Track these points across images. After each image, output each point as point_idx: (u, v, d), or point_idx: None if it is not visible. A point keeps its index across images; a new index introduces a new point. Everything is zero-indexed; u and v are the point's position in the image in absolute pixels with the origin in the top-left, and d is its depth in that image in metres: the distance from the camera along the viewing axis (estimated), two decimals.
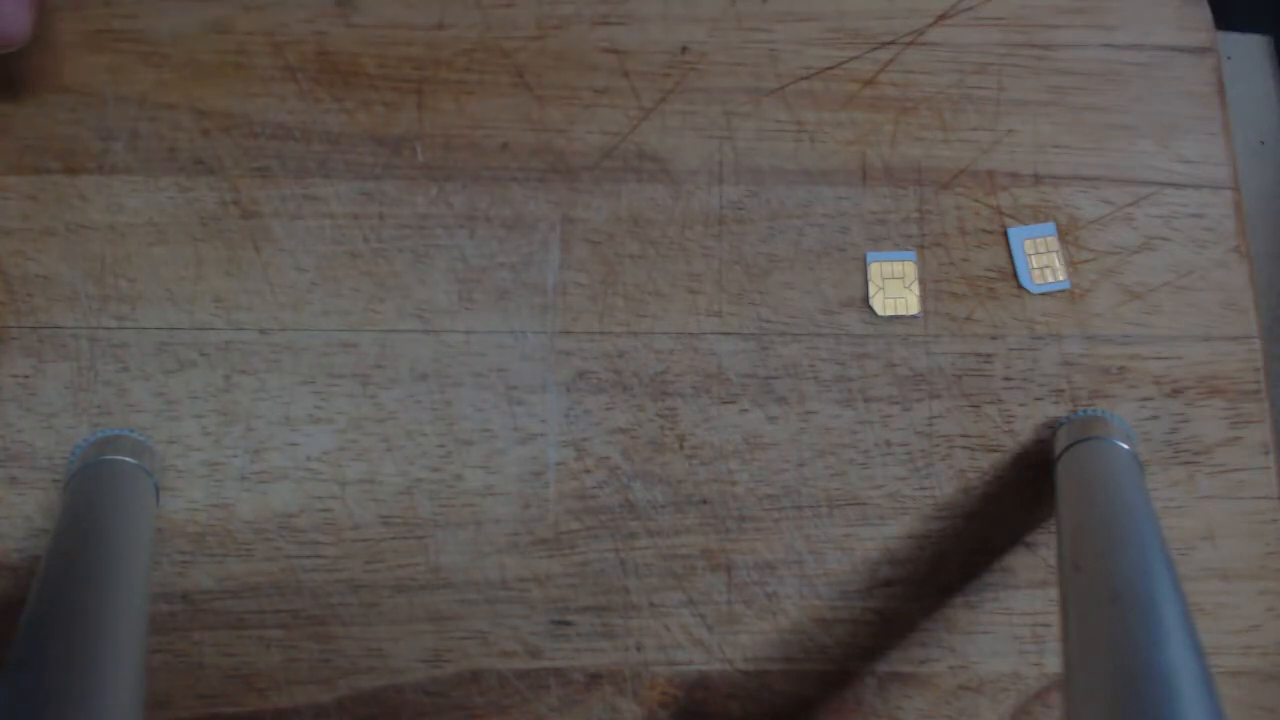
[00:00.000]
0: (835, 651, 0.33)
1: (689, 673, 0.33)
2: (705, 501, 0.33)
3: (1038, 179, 0.35)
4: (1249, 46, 0.53)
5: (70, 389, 0.32)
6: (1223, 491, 0.34)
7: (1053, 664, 0.33)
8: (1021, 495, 0.34)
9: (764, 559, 0.33)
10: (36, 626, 0.24)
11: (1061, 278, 0.34)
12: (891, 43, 0.35)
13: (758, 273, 0.34)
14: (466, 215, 0.34)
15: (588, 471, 0.33)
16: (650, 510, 0.33)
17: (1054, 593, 0.33)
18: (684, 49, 0.35)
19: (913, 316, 0.34)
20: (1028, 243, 0.34)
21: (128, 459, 0.31)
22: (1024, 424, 0.34)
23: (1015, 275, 0.34)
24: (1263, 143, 0.52)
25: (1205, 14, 0.36)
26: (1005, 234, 0.34)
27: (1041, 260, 0.34)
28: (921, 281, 0.34)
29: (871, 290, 0.34)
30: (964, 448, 0.34)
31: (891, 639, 0.33)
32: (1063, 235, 0.34)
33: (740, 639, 0.33)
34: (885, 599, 0.33)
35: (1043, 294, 0.34)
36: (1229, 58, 0.52)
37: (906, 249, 0.34)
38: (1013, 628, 0.33)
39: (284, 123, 0.34)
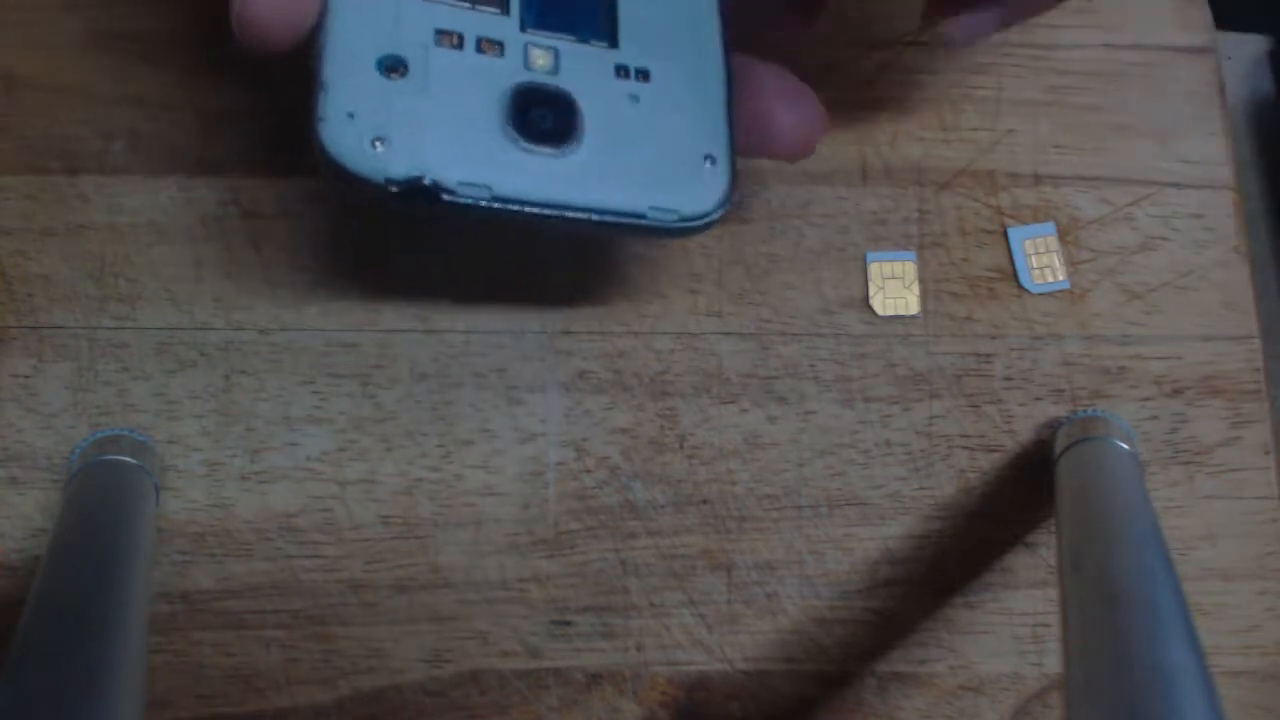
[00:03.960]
0: (835, 651, 0.33)
1: (689, 673, 0.33)
2: (705, 501, 0.33)
3: (1038, 179, 0.35)
4: (1249, 46, 0.53)
5: (70, 389, 0.32)
6: (1223, 491, 0.34)
7: (1053, 664, 0.33)
8: (1021, 495, 0.33)
9: (764, 559, 0.33)
10: (37, 626, 0.24)
11: (1061, 278, 0.34)
12: (892, 43, 0.35)
13: (758, 273, 0.34)
14: None
15: (588, 471, 0.33)
16: (650, 510, 0.33)
17: (1054, 593, 0.33)
18: None
19: (913, 316, 0.34)
20: (1028, 243, 0.34)
21: (128, 459, 0.31)
22: (1024, 424, 0.34)
23: (1015, 275, 0.34)
24: (1263, 143, 0.52)
25: (1205, 14, 0.36)
26: (1005, 234, 0.34)
27: (1041, 260, 0.34)
28: (921, 281, 0.34)
29: (871, 290, 0.34)
30: (964, 448, 0.34)
31: (891, 639, 0.33)
32: (1063, 235, 0.34)
33: (740, 639, 0.33)
34: (885, 599, 0.33)
35: (1043, 294, 0.34)
36: (1229, 58, 0.52)
37: (906, 249, 0.34)
38: (1013, 628, 0.33)
39: (284, 122, 0.34)
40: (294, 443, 0.32)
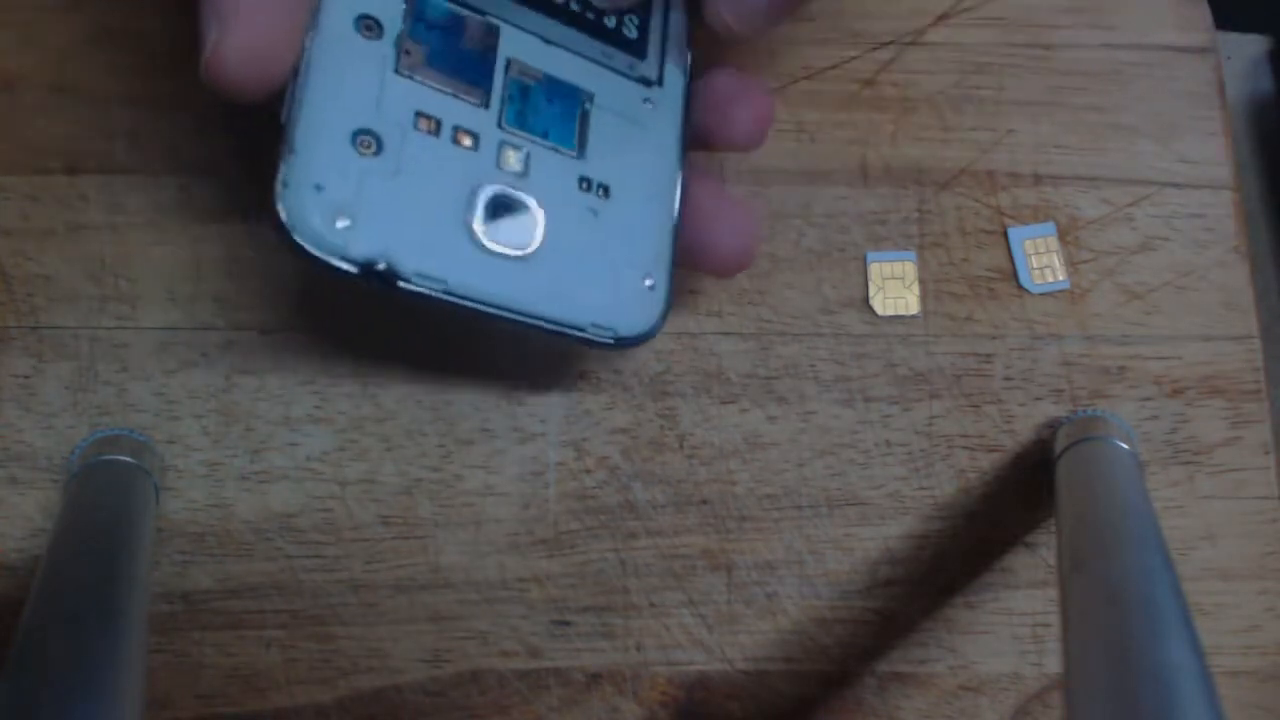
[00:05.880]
0: (835, 651, 0.33)
1: (689, 673, 0.33)
2: (705, 501, 0.33)
3: (1038, 179, 0.35)
4: (1249, 46, 0.53)
5: (70, 389, 0.32)
6: (1223, 491, 0.34)
7: (1053, 664, 0.33)
8: (1021, 495, 0.34)
9: (764, 559, 0.33)
10: (37, 626, 0.24)
11: (1061, 278, 0.34)
12: (892, 43, 0.35)
13: (758, 273, 0.34)
14: None
15: (588, 471, 0.33)
16: (650, 510, 0.33)
17: (1054, 593, 0.33)
18: None
19: (913, 316, 0.34)
20: (1028, 243, 0.34)
21: (128, 459, 0.31)
22: (1024, 424, 0.34)
23: (1015, 275, 0.34)
24: (1263, 143, 0.52)
25: (1205, 14, 0.36)
26: (1005, 234, 0.34)
27: (1041, 260, 0.34)
28: (921, 281, 0.34)
29: (871, 290, 0.34)
30: (964, 448, 0.34)
31: (891, 639, 0.33)
32: (1063, 235, 0.34)
33: (740, 639, 0.33)
34: (885, 599, 0.33)
35: (1043, 294, 0.34)
36: (1229, 58, 0.52)
37: (906, 249, 0.34)
38: (1013, 628, 0.33)
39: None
40: (294, 443, 0.32)
